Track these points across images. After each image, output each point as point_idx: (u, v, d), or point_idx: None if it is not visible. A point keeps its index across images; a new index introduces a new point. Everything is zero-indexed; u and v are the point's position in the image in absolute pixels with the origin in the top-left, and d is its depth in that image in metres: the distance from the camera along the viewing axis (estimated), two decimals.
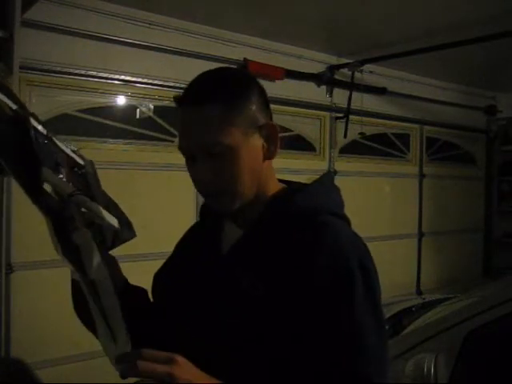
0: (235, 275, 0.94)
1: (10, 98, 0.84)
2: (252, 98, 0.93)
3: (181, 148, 0.94)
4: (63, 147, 0.92)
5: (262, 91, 0.97)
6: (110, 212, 0.94)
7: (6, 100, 0.83)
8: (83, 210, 0.88)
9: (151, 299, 1.11)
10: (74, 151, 0.95)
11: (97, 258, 0.87)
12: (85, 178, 0.95)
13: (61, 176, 0.87)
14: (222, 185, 0.91)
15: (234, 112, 0.90)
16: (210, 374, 0.80)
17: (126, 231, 1.02)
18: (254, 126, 0.93)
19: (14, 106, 0.84)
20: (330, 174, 1.07)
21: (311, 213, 0.94)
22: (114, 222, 0.93)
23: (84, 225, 0.87)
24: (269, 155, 0.96)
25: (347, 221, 0.99)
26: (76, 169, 0.93)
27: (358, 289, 0.85)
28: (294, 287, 0.87)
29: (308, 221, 0.92)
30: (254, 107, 0.93)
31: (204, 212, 1.13)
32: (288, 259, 0.89)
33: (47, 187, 0.84)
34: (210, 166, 0.90)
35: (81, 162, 0.95)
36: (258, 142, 0.94)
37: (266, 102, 0.97)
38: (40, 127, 0.87)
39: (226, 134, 0.89)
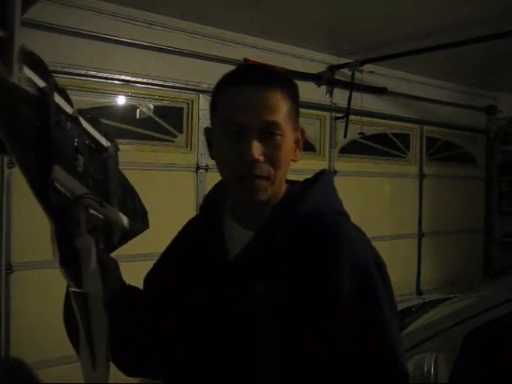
0: (249, 278, 0.93)
1: (39, 75, 0.80)
2: (299, 103, 1.00)
3: (235, 121, 0.93)
4: (89, 128, 0.89)
5: None
6: (125, 201, 0.92)
7: (34, 78, 0.79)
8: (92, 211, 0.86)
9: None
10: (101, 132, 0.92)
11: (94, 268, 0.85)
12: (105, 163, 0.93)
13: (77, 168, 0.84)
14: (267, 168, 0.93)
15: (292, 107, 0.97)
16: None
17: (138, 223, 1.00)
18: (295, 127, 0.99)
19: (42, 84, 0.80)
20: (328, 175, 1.08)
21: (319, 213, 0.97)
22: (124, 222, 0.92)
23: (87, 230, 0.85)
24: (293, 157, 1.00)
25: (348, 218, 1.03)
26: (97, 153, 0.91)
27: (378, 285, 0.92)
28: (315, 286, 0.90)
29: (317, 221, 0.95)
30: (298, 110, 1.00)
31: (205, 207, 1.10)
32: (304, 258, 0.92)
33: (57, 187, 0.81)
34: (261, 145, 0.92)
35: (105, 144, 0.93)
36: (292, 141, 0.99)
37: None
38: (67, 107, 0.83)
39: (285, 121, 0.95)
